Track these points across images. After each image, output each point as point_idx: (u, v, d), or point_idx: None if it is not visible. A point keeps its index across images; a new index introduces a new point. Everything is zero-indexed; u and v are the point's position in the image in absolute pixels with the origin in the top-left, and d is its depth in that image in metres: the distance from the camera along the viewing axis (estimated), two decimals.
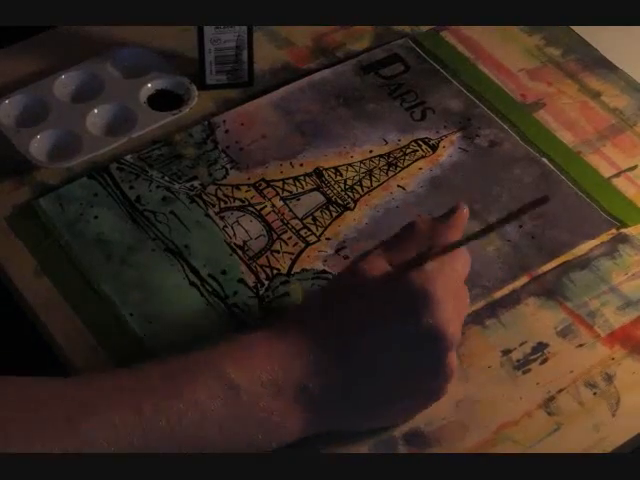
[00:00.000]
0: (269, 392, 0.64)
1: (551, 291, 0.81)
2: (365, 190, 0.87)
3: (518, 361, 0.77)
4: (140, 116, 0.91)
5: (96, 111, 0.91)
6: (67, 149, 0.88)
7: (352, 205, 0.86)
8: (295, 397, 0.65)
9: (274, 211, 0.86)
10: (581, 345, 0.79)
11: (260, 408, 0.64)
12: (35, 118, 0.90)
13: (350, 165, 0.89)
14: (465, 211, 0.74)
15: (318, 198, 0.87)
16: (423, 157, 0.90)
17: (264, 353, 0.66)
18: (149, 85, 0.93)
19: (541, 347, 0.78)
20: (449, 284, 0.68)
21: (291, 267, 0.82)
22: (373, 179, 0.88)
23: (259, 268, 0.82)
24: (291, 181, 0.88)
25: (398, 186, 0.88)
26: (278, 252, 0.83)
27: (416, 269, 0.67)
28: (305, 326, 0.68)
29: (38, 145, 0.88)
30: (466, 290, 0.72)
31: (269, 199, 0.86)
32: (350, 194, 0.87)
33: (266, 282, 0.81)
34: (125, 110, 0.91)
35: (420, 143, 0.91)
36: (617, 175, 0.90)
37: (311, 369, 0.66)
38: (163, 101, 0.93)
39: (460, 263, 0.70)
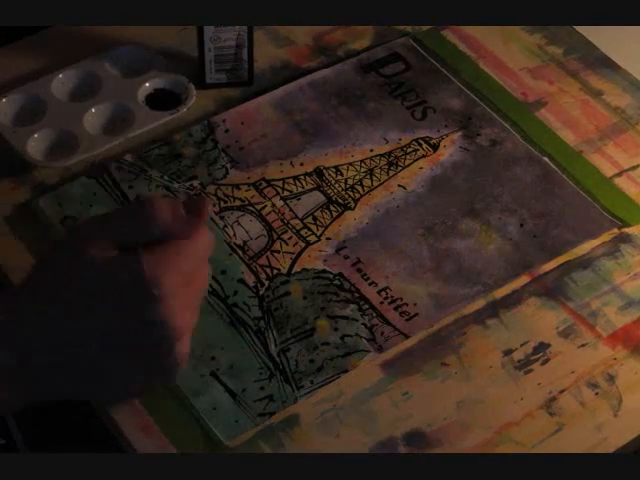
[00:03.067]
0: None
1: (553, 291, 0.81)
2: (366, 189, 0.87)
3: (519, 361, 0.77)
4: (138, 115, 0.91)
5: (94, 110, 0.91)
6: (64, 148, 0.88)
7: (353, 205, 0.86)
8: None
9: (274, 211, 0.85)
10: (583, 345, 0.78)
11: None
12: (32, 117, 0.90)
13: (351, 164, 0.89)
14: (209, 206, 0.69)
15: (318, 197, 0.86)
16: (424, 156, 0.90)
17: None
18: (147, 84, 0.93)
19: (543, 347, 0.78)
20: (178, 274, 0.64)
21: (291, 267, 0.82)
22: (374, 178, 0.88)
23: (259, 268, 0.81)
24: (291, 180, 0.87)
25: (399, 185, 0.87)
26: (278, 252, 0.83)
27: (144, 257, 0.63)
28: (19, 300, 0.65)
29: (35, 144, 0.88)
30: (205, 269, 0.67)
31: (269, 199, 0.86)
32: (351, 193, 0.87)
33: (266, 282, 0.81)
34: (123, 109, 0.91)
35: (421, 142, 0.91)
36: (619, 174, 0.89)
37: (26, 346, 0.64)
38: (161, 100, 0.93)
39: (197, 246, 0.66)
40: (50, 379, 0.65)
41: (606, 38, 1.00)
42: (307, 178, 0.88)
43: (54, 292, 0.64)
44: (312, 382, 0.76)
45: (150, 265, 0.63)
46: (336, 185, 0.87)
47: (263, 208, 0.85)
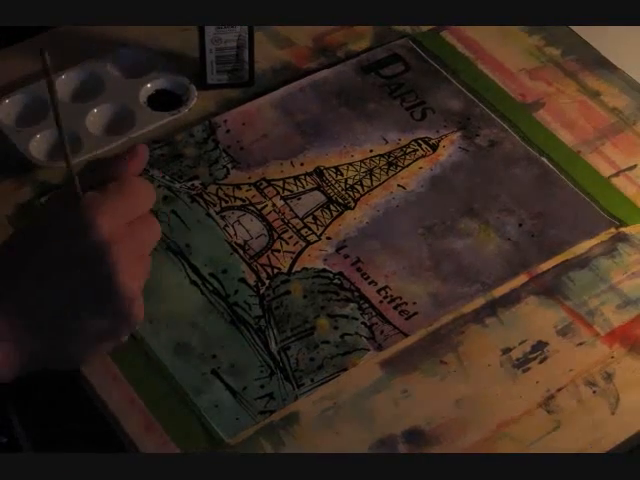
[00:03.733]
0: None
1: (551, 290, 0.82)
2: (365, 189, 0.88)
3: (518, 360, 0.78)
4: (139, 116, 0.91)
5: (96, 111, 0.91)
6: None
7: (352, 204, 0.87)
8: None
9: (275, 210, 0.86)
10: (581, 344, 0.79)
11: None
12: (35, 117, 0.90)
13: (350, 164, 0.89)
14: (143, 148, 0.67)
15: (319, 197, 0.87)
16: (423, 156, 0.90)
17: None
18: (149, 85, 0.94)
19: (541, 346, 0.78)
20: (117, 216, 0.64)
21: (292, 266, 0.82)
22: (373, 178, 0.88)
23: (260, 267, 0.82)
24: (292, 180, 0.88)
25: (398, 185, 0.88)
26: (279, 251, 0.83)
27: (81, 197, 0.64)
28: None
29: (38, 144, 0.88)
30: (151, 220, 0.67)
31: (270, 198, 0.87)
32: (350, 193, 0.87)
33: (267, 281, 0.81)
34: (125, 110, 0.92)
35: (420, 142, 0.91)
36: (616, 174, 0.90)
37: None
38: (163, 101, 0.93)
39: (134, 190, 0.66)
40: (21, 341, 0.65)
41: (604, 39, 1.00)
42: (307, 178, 0.88)
43: (15, 257, 0.65)
44: (312, 380, 0.76)
45: (88, 204, 0.63)
46: (336, 185, 0.88)
47: (264, 208, 0.86)
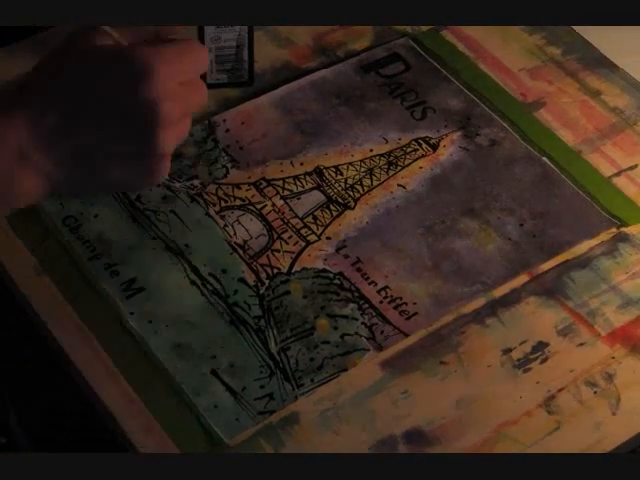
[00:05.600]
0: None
1: (551, 290, 0.82)
2: (365, 189, 0.87)
3: (518, 360, 0.77)
4: None
5: None
6: None
7: (352, 204, 0.86)
8: (29, 165, 0.66)
9: (274, 210, 0.86)
10: (581, 344, 0.79)
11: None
12: None
13: (350, 164, 0.89)
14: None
15: (318, 197, 0.87)
16: (423, 156, 0.90)
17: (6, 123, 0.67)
18: None
19: (541, 346, 0.78)
20: (175, 66, 0.67)
21: (291, 266, 0.82)
22: (373, 178, 0.88)
23: (259, 267, 0.82)
24: (291, 180, 0.88)
25: (399, 185, 0.88)
26: (278, 251, 0.83)
27: (146, 46, 0.67)
28: (32, 92, 0.68)
29: None
30: (201, 85, 0.70)
31: (269, 198, 0.86)
32: (350, 193, 0.87)
33: (266, 281, 0.81)
34: None
35: (420, 142, 0.91)
36: (617, 174, 0.90)
37: (42, 137, 0.66)
38: None
39: (193, 54, 0.70)
40: (59, 165, 0.67)
41: (605, 38, 1.00)
42: (307, 178, 0.88)
43: (56, 81, 0.68)
44: (312, 380, 0.76)
45: (149, 53, 0.66)
46: (336, 185, 0.88)
47: (263, 207, 0.86)
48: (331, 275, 0.82)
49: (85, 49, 0.69)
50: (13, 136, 0.66)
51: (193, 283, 0.81)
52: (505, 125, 0.92)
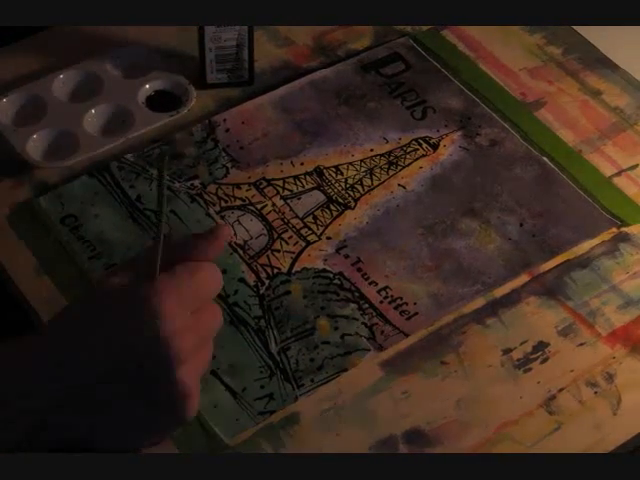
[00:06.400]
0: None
1: (552, 290, 0.81)
2: (366, 189, 0.87)
3: (519, 360, 0.77)
4: (138, 117, 0.91)
5: (93, 111, 0.91)
6: (64, 148, 0.88)
7: (353, 204, 0.86)
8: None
9: (275, 210, 0.86)
10: (582, 344, 0.79)
11: None
12: (33, 117, 0.90)
13: (351, 164, 0.89)
14: (226, 231, 0.68)
15: (319, 197, 0.87)
16: (424, 156, 0.90)
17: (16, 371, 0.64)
18: (147, 86, 0.93)
19: (542, 346, 0.78)
20: (183, 296, 0.63)
21: (292, 266, 0.82)
22: (374, 178, 0.88)
23: (260, 267, 0.82)
24: (292, 180, 0.88)
25: (399, 185, 0.88)
26: (278, 251, 0.83)
27: (149, 281, 0.63)
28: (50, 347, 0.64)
29: (34, 144, 0.88)
30: (213, 306, 0.66)
31: (270, 198, 0.86)
32: (351, 193, 0.87)
33: (267, 281, 0.81)
34: (123, 110, 0.91)
35: (421, 142, 0.91)
36: (618, 174, 0.90)
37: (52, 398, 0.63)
38: (161, 102, 0.93)
39: (204, 278, 0.65)
40: (62, 416, 0.64)
41: (605, 38, 1.00)
42: (307, 177, 0.88)
43: (69, 336, 0.64)
44: (312, 381, 0.76)
45: (159, 290, 0.62)
46: (336, 184, 0.87)
47: (263, 207, 0.86)
48: (331, 275, 0.82)
49: (95, 296, 0.65)
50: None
51: None
52: (505, 125, 0.92)
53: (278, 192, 0.87)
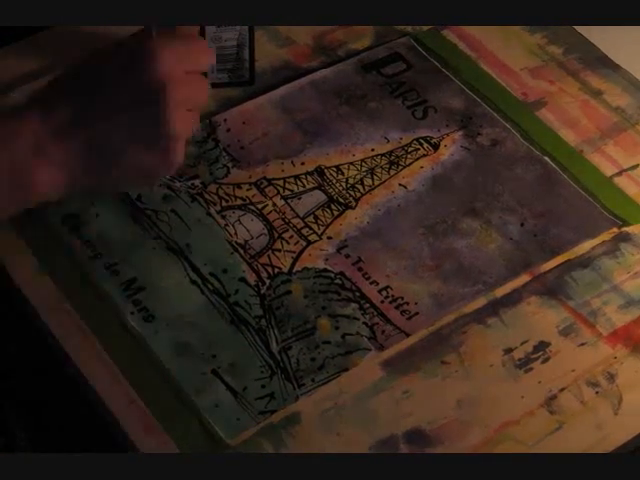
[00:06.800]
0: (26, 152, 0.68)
1: (553, 290, 0.81)
2: (367, 189, 0.87)
3: (520, 360, 0.77)
4: None
5: None
6: None
7: (354, 204, 0.86)
8: (45, 156, 0.69)
9: (275, 210, 0.85)
10: (583, 344, 0.78)
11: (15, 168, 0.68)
12: None
13: (352, 164, 0.89)
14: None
15: (319, 197, 0.87)
16: (425, 156, 0.90)
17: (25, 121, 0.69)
18: None
19: (543, 346, 0.78)
20: (179, 54, 0.70)
21: (292, 266, 0.82)
22: (375, 178, 0.88)
23: (260, 267, 0.82)
24: (292, 180, 0.88)
25: (400, 185, 0.88)
26: (279, 251, 0.83)
27: (153, 34, 0.71)
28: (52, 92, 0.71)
29: None
30: (203, 82, 0.73)
31: (270, 198, 0.86)
32: (352, 193, 0.87)
33: (267, 281, 0.81)
34: None
35: (422, 142, 0.91)
36: (619, 174, 0.90)
37: (56, 129, 0.69)
38: None
39: (198, 47, 0.73)
40: (78, 161, 0.70)
41: (606, 38, 1.00)
42: (308, 177, 0.88)
43: (68, 76, 0.72)
44: (313, 380, 0.76)
45: (157, 41, 0.69)
46: (337, 184, 0.87)
47: (264, 207, 0.86)
48: (332, 275, 0.81)
49: (96, 52, 0.72)
50: (28, 130, 0.68)
51: (194, 283, 0.80)
52: (506, 125, 0.92)
53: (279, 192, 0.87)
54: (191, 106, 0.72)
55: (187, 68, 0.70)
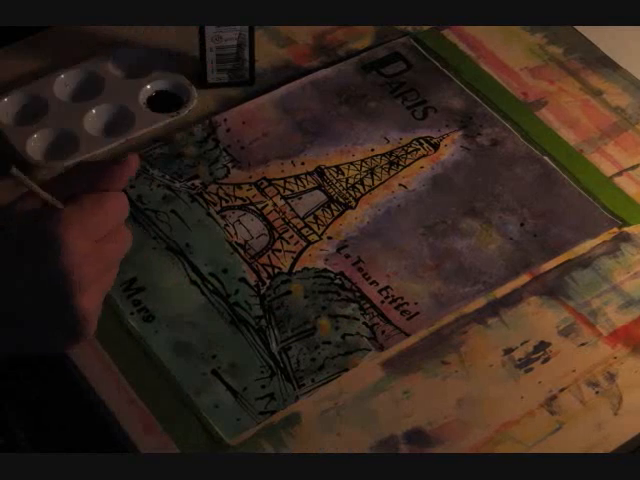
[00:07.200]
0: None
1: (553, 290, 0.81)
2: (367, 189, 0.87)
3: (520, 360, 0.77)
4: (138, 117, 0.91)
5: (94, 111, 0.91)
6: (64, 148, 0.88)
7: (354, 204, 0.86)
8: None
9: (275, 210, 0.85)
10: (583, 344, 0.78)
11: None
12: (34, 117, 0.90)
13: (352, 164, 0.89)
14: (133, 162, 0.68)
15: (319, 197, 0.87)
16: (425, 156, 0.90)
17: None
18: (149, 86, 0.93)
19: (543, 346, 0.78)
20: (86, 226, 0.64)
21: (292, 266, 0.82)
22: (375, 178, 0.88)
23: (260, 267, 0.82)
24: (292, 180, 0.88)
25: (400, 185, 0.88)
26: (279, 251, 0.83)
27: (53, 211, 0.64)
28: None
29: (35, 144, 0.88)
30: (122, 233, 0.67)
31: (270, 198, 0.86)
32: (352, 193, 0.87)
33: (267, 281, 0.81)
34: (123, 111, 0.91)
35: (422, 142, 0.91)
36: (619, 174, 0.89)
37: None
38: (162, 102, 0.93)
39: (110, 207, 0.66)
40: None
41: (606, 38, 1.00)
42: (308, 177, 0.88)
43: None
44: (313, 380, 0.76)
45: (64, 221, 0.63)
46: (337, 184, 0.87)
47: (264, 207, 0.86)
48: (332, 275, 0.81)
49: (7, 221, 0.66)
50: None
51: (194, 283, 0.80)
52: (506, 125, 0.92)
53: (279, 192, 0.87)
54: (109, 269, 0.66)
55: (100, 234, 0.64)
